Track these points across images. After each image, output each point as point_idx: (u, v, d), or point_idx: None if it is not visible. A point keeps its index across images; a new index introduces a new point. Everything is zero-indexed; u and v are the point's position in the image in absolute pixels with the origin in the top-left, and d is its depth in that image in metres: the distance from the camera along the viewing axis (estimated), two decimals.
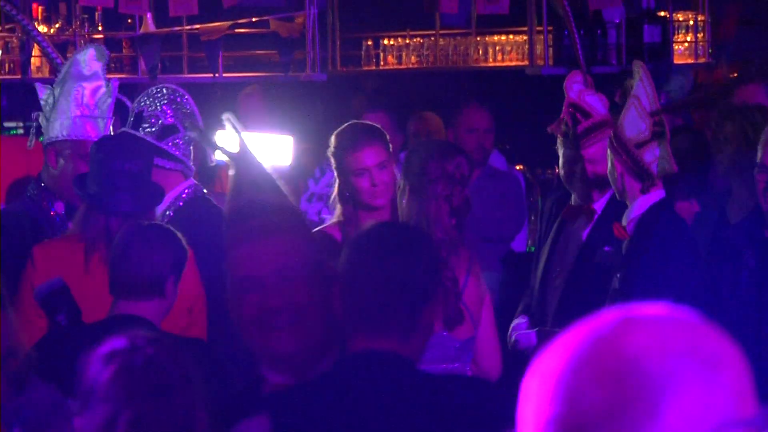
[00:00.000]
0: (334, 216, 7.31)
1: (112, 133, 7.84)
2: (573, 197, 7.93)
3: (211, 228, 6.62)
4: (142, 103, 7.17)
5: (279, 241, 4.90)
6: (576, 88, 7.87)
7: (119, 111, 8.96)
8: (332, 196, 7.38)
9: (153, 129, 7.04)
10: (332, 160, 7.37)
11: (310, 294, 4.91)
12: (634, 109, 7.37)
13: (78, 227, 6.82)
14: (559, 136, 7.92)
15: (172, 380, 3.71)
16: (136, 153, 6.93)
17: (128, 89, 11.74)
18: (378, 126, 7.60)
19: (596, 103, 7.92)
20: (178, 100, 7.10)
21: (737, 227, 6.86)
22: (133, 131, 7.15)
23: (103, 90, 7.67)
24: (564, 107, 7.86)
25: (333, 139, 7.37)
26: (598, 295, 6.98)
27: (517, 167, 10.99)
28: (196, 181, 7.29)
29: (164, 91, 7.25)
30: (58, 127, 7.58)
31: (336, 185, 7.31)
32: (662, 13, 14.06)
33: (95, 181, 6.79)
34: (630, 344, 2.11)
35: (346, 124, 7.49)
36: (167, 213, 6.88)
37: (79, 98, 7.54)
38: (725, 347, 2.16)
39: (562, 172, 7.89)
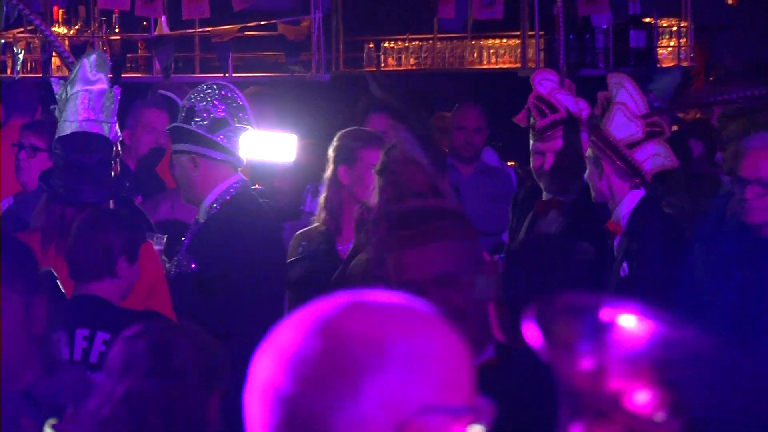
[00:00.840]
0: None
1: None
2: (543, 192, 7.90)
3: (255, 224, 6.83)
4: (193, 99, 7.09)
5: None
6: (547, 85, 7.86)
7: (169, 106, 9.11)
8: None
9: (204, 122, 6.96)
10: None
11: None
12: (621, 113, 7.27)
13: (36, 219, 6.86)
14: (530, 129, 7.91)
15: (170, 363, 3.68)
16: (94, 147, 6.96)
17: (143, 87, 11.93)
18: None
19: (568, 103, 7.92)
20: (229, 95, 7.07)
21: (728, 235, 6.75)
22: (183, 124, 7.09)
23: (106, 95, 7.52)
24: (530, 100, 7.87)
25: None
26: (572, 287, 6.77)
27: (509, 163, 11.09)
28: (244, 177, 7.17)
29: (215, 87, 7.22)
30: (67, 129, 7.40)
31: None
32: (647, 20, 14.07)
33: (57, 175, 6.84)
34: (347, 326, 2.12)
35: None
36: (214, 206, 6.89)
37: (86, 102, 7.37)
38: (444, 339, 2.16)
39: (531, 164, 7.90)
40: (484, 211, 8.91)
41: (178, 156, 7.11)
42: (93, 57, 8.01)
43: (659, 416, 2.22)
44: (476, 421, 2.11)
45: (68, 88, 7.51)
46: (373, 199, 6.76)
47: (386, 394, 2.05)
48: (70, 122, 7.36)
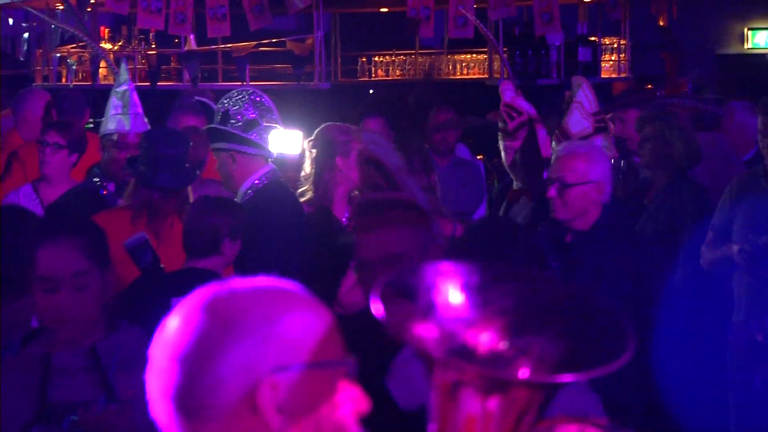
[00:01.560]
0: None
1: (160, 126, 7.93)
2: (515, 183, 7.77)
3: (283, 207, 6.77)
4: (226, 104, 7.01)
5: (390, 232, 4.75)
6: (509, 94, 7.77)
7: (206, 111, 9.09)
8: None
9: (239, 123, 6.87)
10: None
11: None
12: (577, 111, 7.29)
13: (128, 199, 6.78)
14: (499, 132, 7.79)
15: None
16: (176, 142, 6.87)
17: (175, 94, 11.88)
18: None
19: (525, 105, 7.79)
20: (258, 99, 6.99)
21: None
22: (220, 126, 6.95)
23: (127, 93, 7.62)
24: (501, 107, 7.79)
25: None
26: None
27: (479, 157, 11.09)
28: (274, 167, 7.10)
29: (245, 93, 7.15)
30: (103, 125, 7.58)
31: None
32: (593, 38, 14.15)
33: (143, 163, 6.72)
34: (214, 307, 2.14)
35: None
36: (248, 192, 6.79)
37: (115, 101, 7.53)
38: (300, 312, 2.15)
39: (505, 161, 7.75)
40: (457, 196, 8.90)
41: (218, 153, 7.04)
42: (122, 66, 8.27)
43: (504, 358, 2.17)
44: (335, 376, 2.10)
45: (119, 89, 7.61)
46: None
47: (241, 359, 2.03)
48: (106, 119, 7.52)
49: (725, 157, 8.37)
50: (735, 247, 6.82)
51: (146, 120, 7.74)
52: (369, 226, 4.80)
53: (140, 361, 4.30)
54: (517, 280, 2.35)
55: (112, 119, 7.54)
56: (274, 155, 7.23)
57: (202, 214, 6.02)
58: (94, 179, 7.58)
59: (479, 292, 2.26)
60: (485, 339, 2.23)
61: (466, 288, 2.26)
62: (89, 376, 4.15)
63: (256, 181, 6.80)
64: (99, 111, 9.88)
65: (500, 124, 7.81)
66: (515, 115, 7.60)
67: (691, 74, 14.19)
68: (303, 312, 2.13)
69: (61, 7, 13.99)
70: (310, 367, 2.09)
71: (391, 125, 9.01)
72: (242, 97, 6.99)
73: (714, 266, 7.14)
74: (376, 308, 2.15)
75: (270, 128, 6.98)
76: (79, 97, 10.19)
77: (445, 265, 2.28)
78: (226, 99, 7.01)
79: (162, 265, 6.06)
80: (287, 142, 7.35)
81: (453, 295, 2.26)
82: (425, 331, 2.19)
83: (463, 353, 2.21)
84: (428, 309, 2.23)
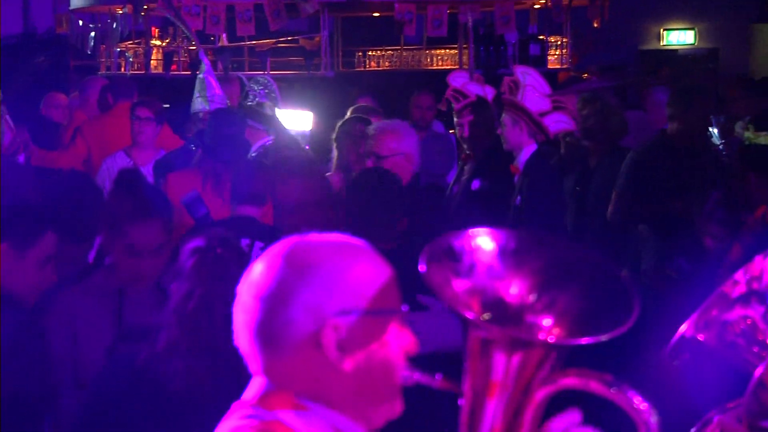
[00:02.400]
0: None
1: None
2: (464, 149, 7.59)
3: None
4: (248, 88, 6.93)
5: (300, 182, 4.88)
6: (459, 80, 7.57)
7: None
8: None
9: (252, 103, 6.80)
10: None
11: (321, 216, 4.91)
12: (532, 92, 6.84)
13: (197, 164, 6.54)
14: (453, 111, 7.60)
15: (231, 270, 3.29)
16: (234, 121, 6.62)
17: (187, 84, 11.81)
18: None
19: (474, 90, 7.54)
20: (269, 84, 6.89)
21: None
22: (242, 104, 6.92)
23: (204, 81, 7.45)
24: (447, 92, 7.60)
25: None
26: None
27: (451, 131, 11.08)
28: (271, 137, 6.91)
29: (260, 80, 7.04)
30: (192, 106, 7.48)
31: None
32: (541, 36, 14.15)
33: (208, 138, 6.55)
34: (289, 256, 2.02)
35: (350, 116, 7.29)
36: (253, 154, 6.59)
37: (198, 87, 7.41)
38: (361, 262, 2.04)
39: (457, 133, 7.63)
40: (433, 162, 8.79)
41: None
42: (204, 62, 7.99)
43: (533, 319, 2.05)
44: (387, 320, 2.01)
45: (199, 75, 7.48)
46: None
47: (311, 303, 1.96)
48: (203, 97, 7.34)
49: (646, 130, 8.26)
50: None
51: (224, 99, 7.55)
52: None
53: None
54: (542, 245, 2.18)
55: (196, 101, 7.42)
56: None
57: (252, 170, 5.92)
58: (191, 146, 7.25)
59: (509, 257, 2.13)
60: (512, 300, 2.10)
61: (498, 253, 2.13)
62: (156, 304, 3.99)
63: (261, 149, 6.68)
64: (150, 94, 9.83)
65: (449, 105, 7.67)
66: (461, 98, 7.41)
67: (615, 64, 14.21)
68: (366, 264, 2.04)
69: (121, 11, 14.02)
70: (368, 313, 2.00)
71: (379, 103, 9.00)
72: (259, 84, 6.96)
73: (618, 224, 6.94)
74: (422, 269, 2.05)
75: (273, 108, 6.91)
76: (129, 82, 10.13)
77: (482, 232, 2.14)
78: (251, 82, 6.99)
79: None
80: (299, 119, 7.28)
81: (486, 259, 2.13)
82: (462, 293, 2.08)
83: (494, 313, 2.07)
84: (465, 271, 2.11)
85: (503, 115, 6.95)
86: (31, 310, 3.82)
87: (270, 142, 6.81)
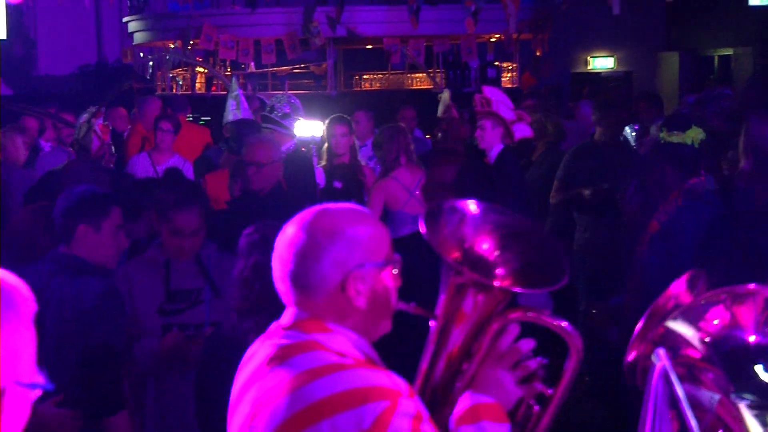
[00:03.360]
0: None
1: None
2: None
3: (301, 165, 6.40)
4: (273, 102, 6.72)
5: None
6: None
7: (261, 106, 8.79)
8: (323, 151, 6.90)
9: (279, 114, 6.59)
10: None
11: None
12: (500, 104, 6.57)
13: (224, 164, 6.37)
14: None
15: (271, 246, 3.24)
16: (251, 128, 6.53)
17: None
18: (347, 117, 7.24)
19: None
20: (292, 101, 6.69)
21: None
22: (267, 114, 6.73)
23: (238, 97, 7.27)
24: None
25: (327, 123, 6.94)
26: None
27: (427, 136, 11.02)
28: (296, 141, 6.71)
29: (284, 96, 6.83)
30: (224, 117, 7.21)
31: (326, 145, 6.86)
32: (496, 63, 14.16)
33: (231, 140, 6.49)
34: (316, 221, 2.02)
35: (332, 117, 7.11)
36: (281, 156, 6.11)
37: (232, 102, 7.19)
38: (370, 225, 2.05)
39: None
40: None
41: (266, 130, 6.68)
42: (234, 82, 7.88)
43: (496, 273, 2.11)
44: (393, 268, 2.04)
45: (231, 93, 7.34)
46: None
47: (337, 257, 1.97)
48: (237, 110, 7.17)
49: (579, 136, 8.21)
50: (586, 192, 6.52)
51: (248, 111, 7.40)
52: None
53: (223, 265, 3.90)
54: (502, 215, 2.22)
55: (229, 113, 7.23)
56: (297, 136, 6.92)
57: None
58: (221, 147, 7.16)
59: (481, 226, 2.17)
60: (481, 257, 2.13)
61: (473, 220, 2.18)
62: (196, 273, 4.05)
63: (288, 151, 6.44)
64: (195, 110, 9.80)
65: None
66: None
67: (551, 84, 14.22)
68: (373, 227, 2.05)
69: (173, 46, 14.01)
70: (377, 264, 2.01)
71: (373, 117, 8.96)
72: (282, 99, 6.76)
73: (558, 206, 6.82)
74: (422, 228, 2.09)
75: (296, 119, 6.73)
76: (184, 99, 10.09)
77: (464, 203, 2.21)
78: (272, 99, 6.78)
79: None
80: (311, 128, 7.21)
81: (467, 225, 2.17)
82: (449, 247, 2.12)
83: (468, 265, 2.10)
84: (453, 230, 2.15)
85: (481, 121, 6.65)
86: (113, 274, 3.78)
87: (294, 144, 6.64)
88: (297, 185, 6.26)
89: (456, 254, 2.10)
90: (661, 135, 6.92)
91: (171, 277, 4.00)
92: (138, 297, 3.82)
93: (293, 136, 6.81)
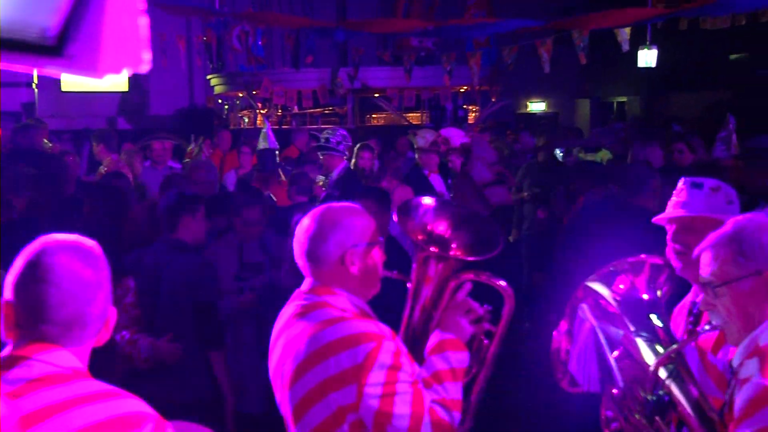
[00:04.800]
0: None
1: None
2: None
3: (352, 185, 5.79)
4: (327, 134, 6.09)
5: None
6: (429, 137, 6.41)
7: (314, 138, 8.25)
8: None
9: (334, 142, 5.96)
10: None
11: None
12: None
13: (256, 179, 6.15)
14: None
15: None
16: (269, 156, 6.32)
17: (287, 132, 11.32)
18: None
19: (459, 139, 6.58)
20: (340, 132, 6.07)
21: None
22: (323, 143, 6.11)
23: (266, 132, 6.80)
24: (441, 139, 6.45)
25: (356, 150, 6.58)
26: None
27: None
28: (348, 162, 6.21)
29: (334, 129, 6.26)
30: (259, 145, 6.85)
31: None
32: (465, 106, 14.07)
33: (260, 163, 6.37)
34: (322, 215, 1.96)
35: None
36: (335, 175, 5.94)
37: (263, 135, 6.80)
38: (361, 215, 1.97)
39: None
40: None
41: (323, 155, 6.20)
42: (266, 124, 7.67)
43: (452, 249, 2.09)
44: (378, 246, 1.99)
45: (262, 131, 7.08)
46: None
47: (338, 240, 1.92)
48: (263, 142, 6.84)
49: (522, 156, 8.10)
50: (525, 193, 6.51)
51: (275, 142, 6.95)
52: None
53: (279, 245, 3.76)
54: (453, 208, 2.21)
55: (260, 143, 6.89)
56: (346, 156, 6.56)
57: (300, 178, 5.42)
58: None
59: (438, 213, 2.15)
60: (439, 236, 2.11)
61: (432, 211, 2.15)
62: (261, 251, 3.98)
63: (341, 172, 6.03)
64: (255, 140, 9.58)
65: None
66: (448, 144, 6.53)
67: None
68: (363, 218, 1.99)
69: (241, 95, 13.98)
70: (366, 244, 1.96)
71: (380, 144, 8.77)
72: (333, 131, 6.30)
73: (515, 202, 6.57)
74: (394, 218, 2.13)
75: (346, 145, 6.22)
76: (253, 132, 9.94)
77: (425, 200, 2.17)
78: (326, 132, 6.33)
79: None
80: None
81: (427, 214, 2.15)
82: (416, 231, 2.10)
83: (430, 242, 2.08)
84: (417, 221, 2.12)
85: (451, 156, 6.13)
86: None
87: (346, 166, 6.23)
88: (350, 191, 6.01)
89: (421, 236, 2.08)
90: (580, 155, 6.97)
91: (243, 253, 3.95)
92: (221, 268, 3.79)
93: (347, 157, 6.48)
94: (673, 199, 2.24)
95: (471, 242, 2.08)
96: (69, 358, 1.37)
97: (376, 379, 1.77)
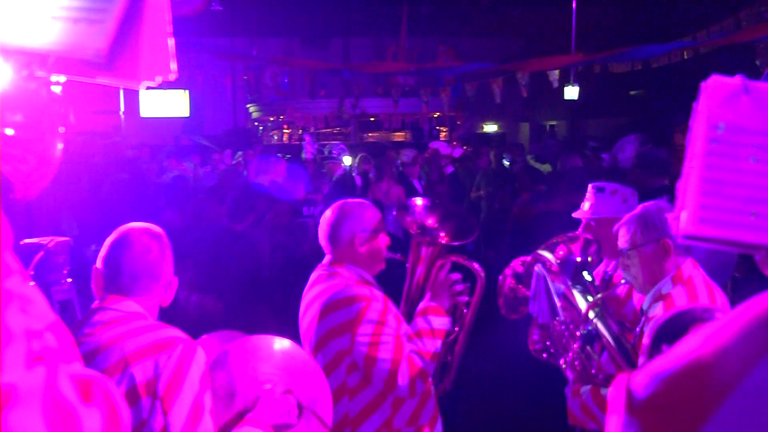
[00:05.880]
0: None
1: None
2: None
3: (348, 186, 5.54)
4: (329, 147, 5.80)
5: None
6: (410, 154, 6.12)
7: (320, 149, 8.10)
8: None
9: (334, 153, 5.76)
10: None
11: None
12: (442, 148, 5.92)
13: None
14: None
15: None
16: (297, 163, 6.03)
17: (296, 148, 10.74)
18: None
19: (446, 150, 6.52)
20: (342, 147, 5.67)
21: None
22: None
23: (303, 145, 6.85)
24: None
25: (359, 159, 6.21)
26: None
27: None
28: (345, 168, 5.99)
29: (338, 145, 5.85)
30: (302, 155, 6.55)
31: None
32: (438, 127, 13.63)
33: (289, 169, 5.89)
34: (340, 207, 1.88)
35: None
36: (335, 178, 5.65)
37: (311, 145, 6.64)
38: (368, 208, 1.87)
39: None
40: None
41: (325, 162, 6.05)
42: (306, 137, 7.27)
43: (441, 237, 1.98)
44: (379, 233, 1.86)
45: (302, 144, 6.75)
46: None
47: (349, 226, 1.85)
48: (302, 154, 6.50)
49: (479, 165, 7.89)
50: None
51: (311, 154, 6.57)
52: None
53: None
54: (442, 206, 2.13)
55: (303, 153, 6.70)
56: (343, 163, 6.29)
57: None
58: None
59: (428, 209, 2.06)
60: (430, 227, 2.02)
61: (423, 208, 2.06)
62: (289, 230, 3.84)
63: (339, 175, 5.71)
64: (282, 151, 9.37)
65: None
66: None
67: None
68: (371, 210, 1.91)
69: (272, 119, 13.87)
70: (373, 231, 1.87)
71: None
72: (334, 146, 6.11)
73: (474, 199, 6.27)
74: (396, 216, 2.02)
75: (344, 155, 6.02)
76: (277, 148, 9.68)
77: (418, 200, 2.09)
78: (328, 146, 6.15)
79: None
80: (347, 160, 6.92)
81: (420, 210, 2.06)
82: (412, 223, 2.02)
83: (422, 231, 2.00)
84: (413, 215, 2.04)
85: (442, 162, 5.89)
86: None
87: (343, 171, 6.11)
88: (344, 190, 5.84)
89: (416, 227, 2.01)
90: (531, 162, 6.85)
91: (275, 235, 3.86)
92: (258, 247, 3.74)
93: (343, 164, 6.44)
94: (585, 200, 2.25)
95: (453, 231, 2.00)
96: (133, 305, 1.39)
97: (364, 330, 1.73)
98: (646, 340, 1.45)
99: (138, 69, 0.74)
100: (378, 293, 1.79)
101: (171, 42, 0.77)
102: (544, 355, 1.89)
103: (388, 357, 1.73)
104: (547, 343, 1.88)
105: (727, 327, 0.41)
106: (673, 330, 0.96)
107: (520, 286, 2.07)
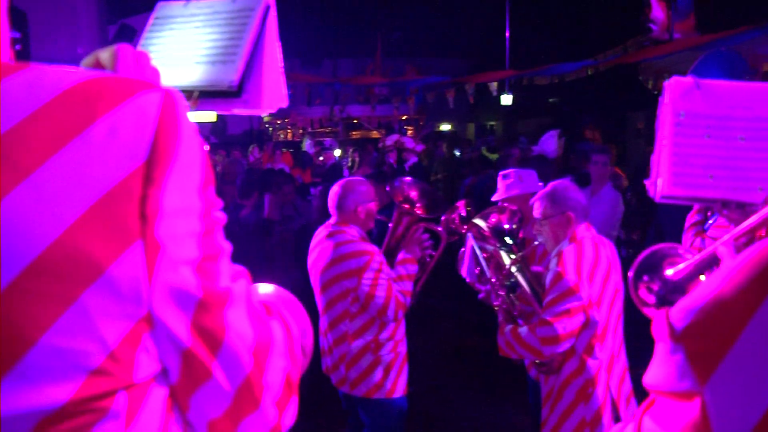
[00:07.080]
0: None
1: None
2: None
3: (337, 171, 5.16)
4: (324, 141, 5.59)
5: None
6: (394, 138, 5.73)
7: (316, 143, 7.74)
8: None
9: (327, 146, 5.19)
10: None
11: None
12: (408, 143, 5.52)
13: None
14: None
15: None
16: (308, 152, 6.02)
17: (298, 144, 10.45)
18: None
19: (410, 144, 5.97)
20: (332, 142, 5.42)
21: None
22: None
23: (305, 139, 6.55)
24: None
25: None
26: None
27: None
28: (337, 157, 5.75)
29: (330, 141, 5.59)
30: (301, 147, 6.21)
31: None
32: (405, 126, 12.93)
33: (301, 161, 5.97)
34: (346, 185, 1.88)
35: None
36: (328, 164, 5.44)
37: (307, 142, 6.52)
38: (366, 187, 1.88)
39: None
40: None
41: (319, 152, 5.87)
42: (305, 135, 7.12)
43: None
44: (376, 203, 1.89)
45: (303, 140, 6.58)
46: None
47: (353, 198, 1.81)
48: (303, 148, 6.23)
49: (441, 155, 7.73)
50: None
51: (312, 149, 6.34)
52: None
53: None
54: (419, 185, 2.07)
55: (304, 147, 6.50)
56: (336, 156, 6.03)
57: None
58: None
59: (411, 186, 2.03)
60: (410, 199, 2.01)
61: (407, 184, 2.03)
62: (291, 207, 3.63)
63: (329, 161, 5.57)
64: (287, 146, 9.11)
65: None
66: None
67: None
68: (368, 185, 1.89)
69: (279, 122, 13.41)
70: (369, 200, 1.87)
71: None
72: (328, 141, 5.79)
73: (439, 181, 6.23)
74: (389, 189, 2.02)
75: (334, 148, 5.76)
76: (283, 144, 9.39)
77: (405, 179, 2.10)
78: (323, 141, 5.89)
79: None
80: (337, 152, 6.72)
81: (404, 187, 2.03)
82: (398, 195, 2.01)
83: (405, 202, 2.00)
84: (399, 189, 2.02)
85: (405, 154, 5.57)
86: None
87: (335, 159, 5.89)
88: (335, 175, 5.58)
89: (400, 198, 2.02)
90: (484, 152, 6.64)
91: (282, 210, 3.64)
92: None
93: (334, 156, 6.19)
94: (498, 186, 2.30)
95: (427, 205, 2.04)
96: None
97: (368, 276, 1.83)
98: (546, 285, 1.59)
99: (261, 99, 0.74)
100: (375, 248, 1.87)
101: (283, 76, 0.77)
102: (488, 300, 1.90)
103: (383, 295, 1.86)
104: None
105: (742, 267, 0.41)
106: (648, 264, 0.94)
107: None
